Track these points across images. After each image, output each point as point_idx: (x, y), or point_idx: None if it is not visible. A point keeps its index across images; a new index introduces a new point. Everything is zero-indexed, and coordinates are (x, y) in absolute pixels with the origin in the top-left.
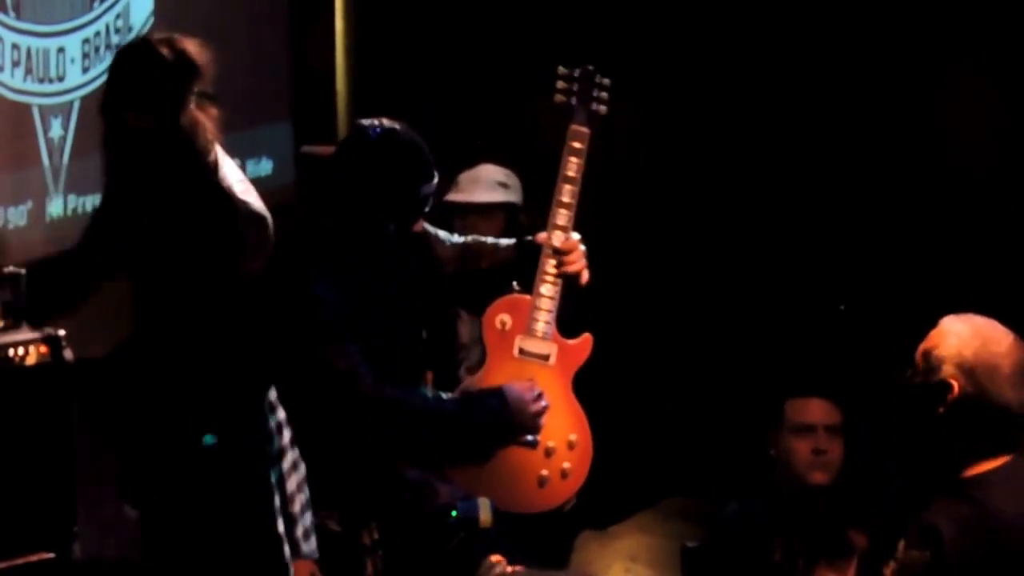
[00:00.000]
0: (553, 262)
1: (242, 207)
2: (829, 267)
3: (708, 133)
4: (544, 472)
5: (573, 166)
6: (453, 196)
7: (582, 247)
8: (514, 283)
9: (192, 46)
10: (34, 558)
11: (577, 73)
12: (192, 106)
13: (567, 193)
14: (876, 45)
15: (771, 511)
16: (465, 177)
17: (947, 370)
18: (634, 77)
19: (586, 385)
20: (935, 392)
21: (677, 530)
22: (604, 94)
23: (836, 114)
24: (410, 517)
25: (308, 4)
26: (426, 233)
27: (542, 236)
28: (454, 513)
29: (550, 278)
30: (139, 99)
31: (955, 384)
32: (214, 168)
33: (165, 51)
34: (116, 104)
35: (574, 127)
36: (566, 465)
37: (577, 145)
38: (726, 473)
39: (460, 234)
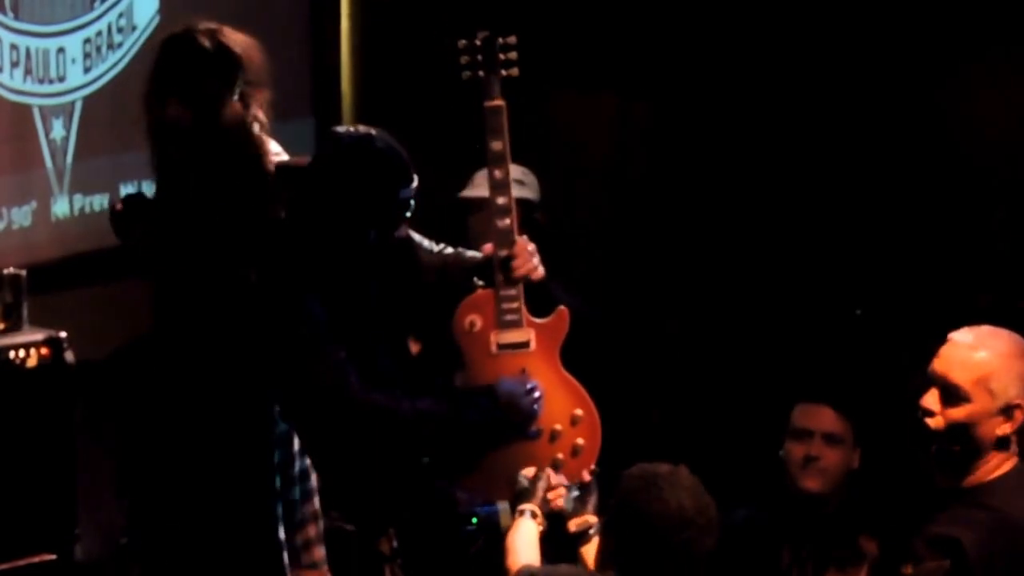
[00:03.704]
0: (505, 251)
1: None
2: (847, 271)
3: (722, 135)
4: (558, 456)
5: (499, 144)
6: (468, 192)
7: (530, 246)
8: (475, 279)
9: (236, 38)
10: (36, 559)
11: (478, 42)
12: (235, 101)
13: (500, 173)
14: (895, 44)
15: (777, 515)
16: (480, 174)
17: (1013, 392)
18: (650, 78)
19: (595, 385)
20: (1006, 416)
21: None
22: (512, 55)
23: (853, 117)
24: (429, 525)
25: (314, 3)
26: (411, 239)
27: (489, 249)
28: (475, 520)
29: (507, 265)
30: (180, 92)
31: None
32: (258, 161)
33: (208, 44)
34: (157, 95)
35: (488, 104)
36: (578, 441)
37: (496, 122)
38: (735, 476)
39: (474, 232)
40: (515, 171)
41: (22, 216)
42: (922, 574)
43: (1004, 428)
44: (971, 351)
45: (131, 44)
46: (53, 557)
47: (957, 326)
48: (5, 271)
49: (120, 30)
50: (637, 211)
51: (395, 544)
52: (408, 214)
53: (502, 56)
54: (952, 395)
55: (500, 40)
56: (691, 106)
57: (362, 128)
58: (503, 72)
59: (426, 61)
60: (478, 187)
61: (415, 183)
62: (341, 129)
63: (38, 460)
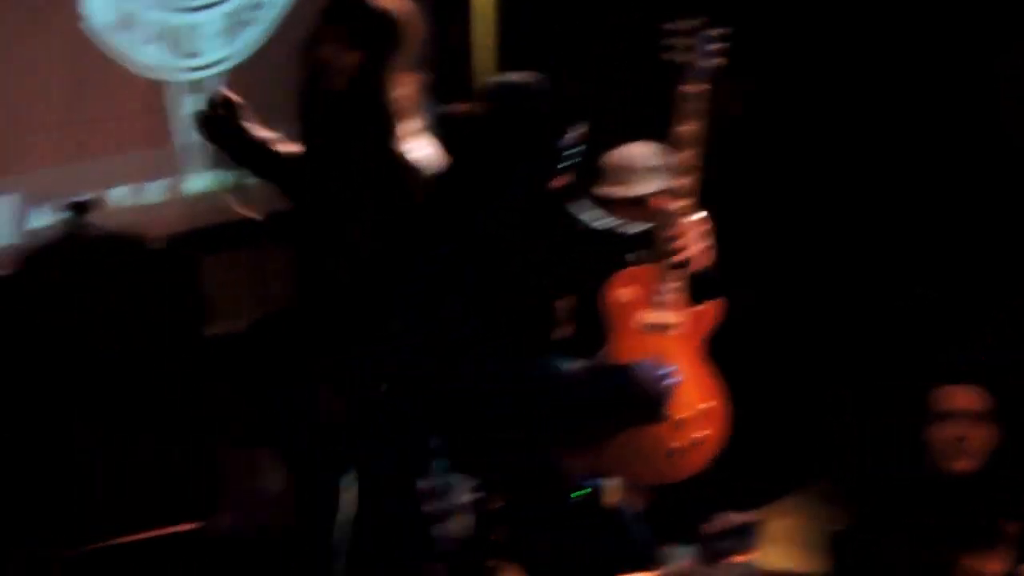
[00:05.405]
0: (673, 231)
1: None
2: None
3: (797, 120)
4: (675, 444)
5: (689, 128)
6: (607, 190)
7: (700, 228)
8: (634, 254)
9: (404, 13)
10: (181, 528)
11: (689, 28)
12: (391, 69)
13: (687, 157)
14: (947, 28)
15: (919, 498)
16: (614, 165)
17: None
18: (736, 60)
19: (733, 369)
20: None
21: (826, 514)
22: (720, 46)
23: (926, 102)
24: (537, 496)
25: None
26: (567, 210)
27: (661, 201)
28: (582, 492)
29: (673, 247)
30: (352, 34)
31: None
32: (394, 132)
33: (378, 9)
34: (324, 39)
35: (687, 88)
36: (698, 435)
37: (691, 107)
38: (876, 459)
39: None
40: (651, 156)
41: (155, 191)
42: None
43: None
44: None
45: (265, 20)
46: (197, 526)
47: None
48: None
49: (255, 7)
50: (730, 195)
51: (503, 508)
52: (567, 164)
53: (710, 46)
54: None
55: (712, 30)
56: (752, 91)
57: (522, 75)
58: (708, 61)
59: (559, 33)
60: (616, 182)
61: (576, 133)
62: (502, 78)
63: (183, 431)
